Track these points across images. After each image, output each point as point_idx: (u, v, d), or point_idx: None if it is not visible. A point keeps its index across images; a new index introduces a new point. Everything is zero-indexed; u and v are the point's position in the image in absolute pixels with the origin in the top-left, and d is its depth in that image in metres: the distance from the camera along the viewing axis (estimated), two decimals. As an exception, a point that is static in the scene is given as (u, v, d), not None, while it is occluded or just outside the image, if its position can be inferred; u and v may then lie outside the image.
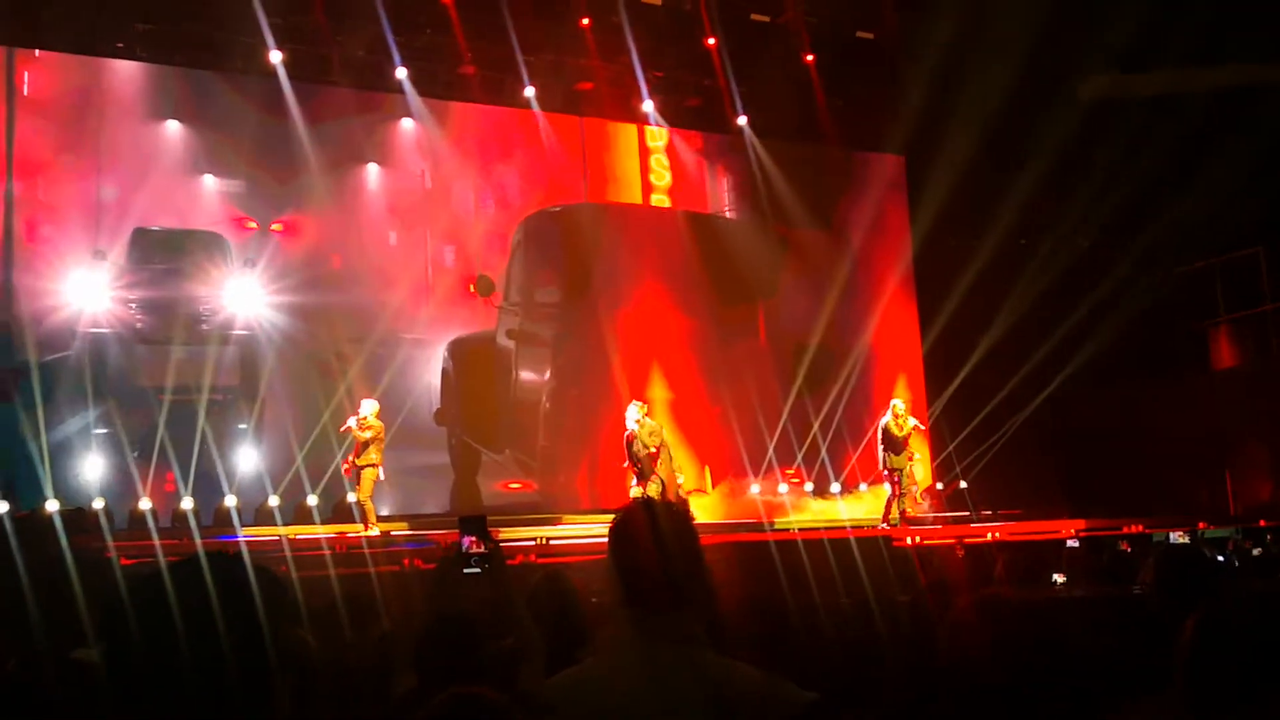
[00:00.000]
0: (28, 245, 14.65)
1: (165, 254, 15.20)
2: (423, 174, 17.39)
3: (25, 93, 14.80)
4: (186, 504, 14.19)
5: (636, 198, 18.90)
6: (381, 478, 13.45)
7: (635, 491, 13.68)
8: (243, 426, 15.18)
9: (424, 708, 2.25)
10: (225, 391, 15.26)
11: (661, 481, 13.82)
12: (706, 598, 2.53)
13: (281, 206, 16.02)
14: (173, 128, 15.64)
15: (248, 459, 15.07)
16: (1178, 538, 9.61)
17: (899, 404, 15.29)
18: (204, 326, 15.29)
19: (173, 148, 15.58)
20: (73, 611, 4.80)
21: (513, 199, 18.05)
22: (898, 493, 14.91)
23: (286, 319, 15.43)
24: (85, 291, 14.60)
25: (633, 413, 14.01)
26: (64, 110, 15.02)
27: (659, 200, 19.02)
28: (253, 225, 15.81)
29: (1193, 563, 4.11)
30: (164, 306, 15.04)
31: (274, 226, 15.96)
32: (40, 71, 14.97)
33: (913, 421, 15.00)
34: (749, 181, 19.32)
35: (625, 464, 14.15)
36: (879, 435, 15.07)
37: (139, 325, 14.96)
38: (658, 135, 18.93)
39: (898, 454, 14.89)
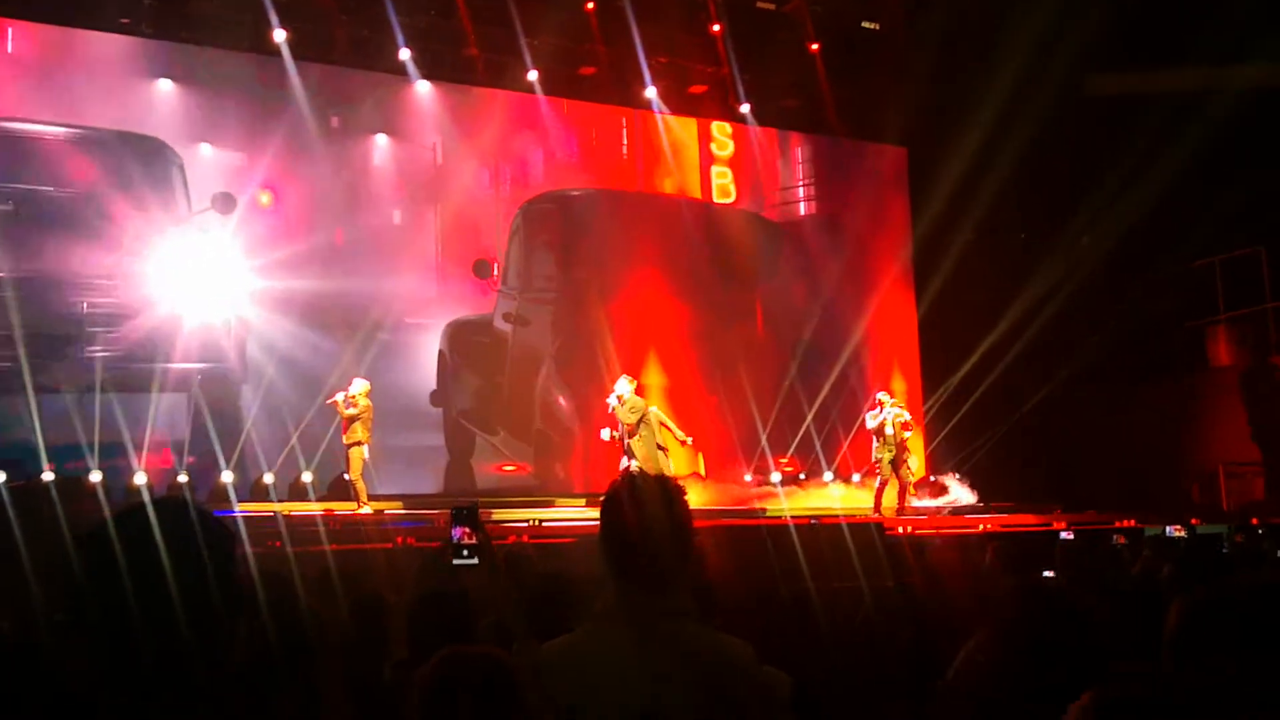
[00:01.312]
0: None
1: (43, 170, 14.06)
2: (434, 148, 17.34)
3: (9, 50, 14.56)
4: (181, 479, 14.23)
5: (693, 189, 18.92)
6: (367, 456, 13.42)
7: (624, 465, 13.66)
8: (238, 404, 15.16)
9: (423, 666, 2.26)
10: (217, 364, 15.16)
11: (636, 460, 13.78)
12: (695, 572, 2.54)
13: (282, 178, 15.86)
14: (165, 89, 15.37)
15: (243, 436, 15.03)
16: (1174, 533, 9.62)
17: (882, 396, 15.39)
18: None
19: (165, 112, 15.32)
20: (64, 576, 4.81)
21: (536, 182, 18.03)
22: (885, 482, 15.02)
23: (283, 295, 15.36)
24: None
25: (617, 387, 14.01)
26: (44, 71, 14.70)
27: (721, 190, 19.02)
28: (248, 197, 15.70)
29: (1212, 555, 4.16)
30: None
31: (261, 197, 15.71)
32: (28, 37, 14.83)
33: (893, 413, 15.01)
34: (750, 169, 19.33)
35: (607, 437, 14.13)
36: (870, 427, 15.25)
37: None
38: (722, 128, 18.95)
39: (878, 445, 15.02)
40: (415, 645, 3.80)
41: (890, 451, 14.92)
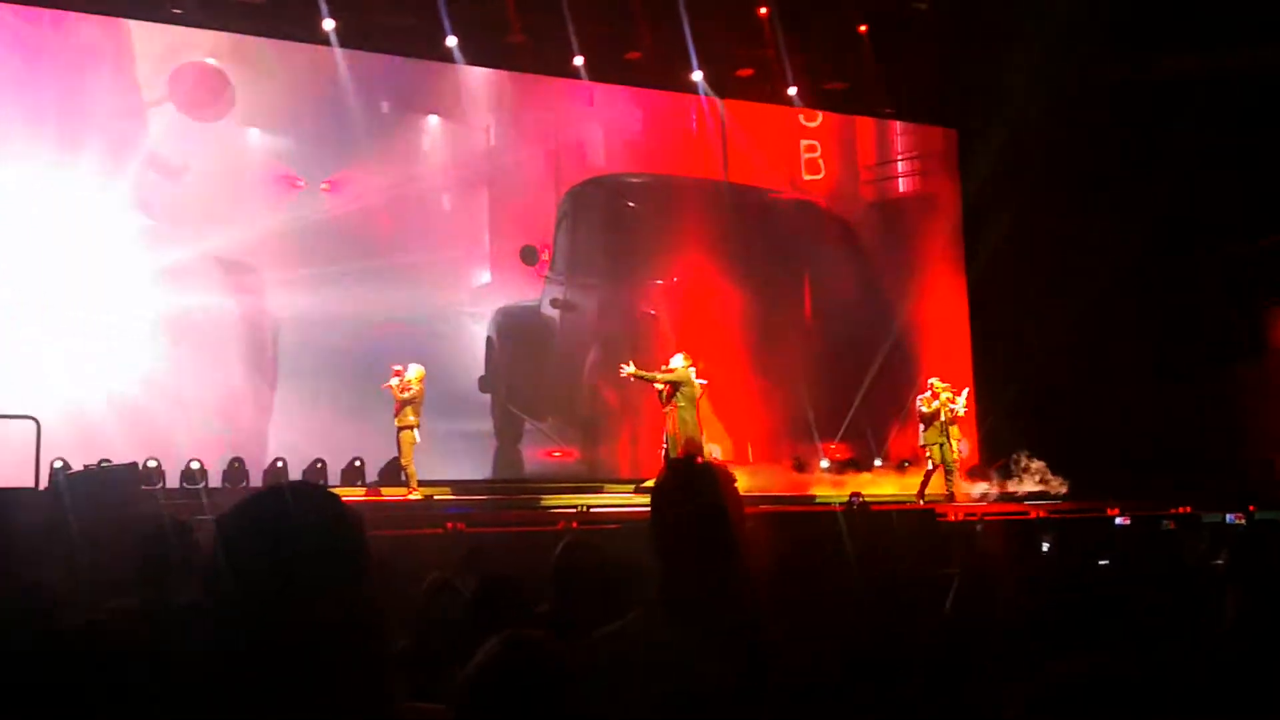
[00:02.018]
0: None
1: None
2: (487, 130, 17.36)
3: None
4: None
5: (777, 181, 18.92)
6: (418, 440, 13.50)
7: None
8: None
9: (480, 648, 2.26)
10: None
11: (667, 439, 13.73)
12: (740, 563, 2.52)
13: (330, 164, 15.97)
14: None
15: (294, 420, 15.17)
16: (1234, 519, 9.46)
17: (934, 381, 15.31)
18: None
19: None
20: (120, 564, 4.88)
21: (594, 167, 18.06)
22: (935, 469, 14.95)
23: (334, 283, 15.49)
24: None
25: (673, 360, 13.97)
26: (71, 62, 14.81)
27: (809, 165, 18.97)
28: (301, 184, 15.81)
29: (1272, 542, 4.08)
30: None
31: (322, 186, 15.92)
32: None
33: (945, 399, 14.93)
34: (796, 152, 19.22)
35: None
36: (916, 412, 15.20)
37: None
38: (811, 116, 18.88)
39: (927, 431, 14.93)
40: (471, 631, 3.80)
41: (941, 438, 14.83)
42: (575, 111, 17.78)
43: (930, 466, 15.06)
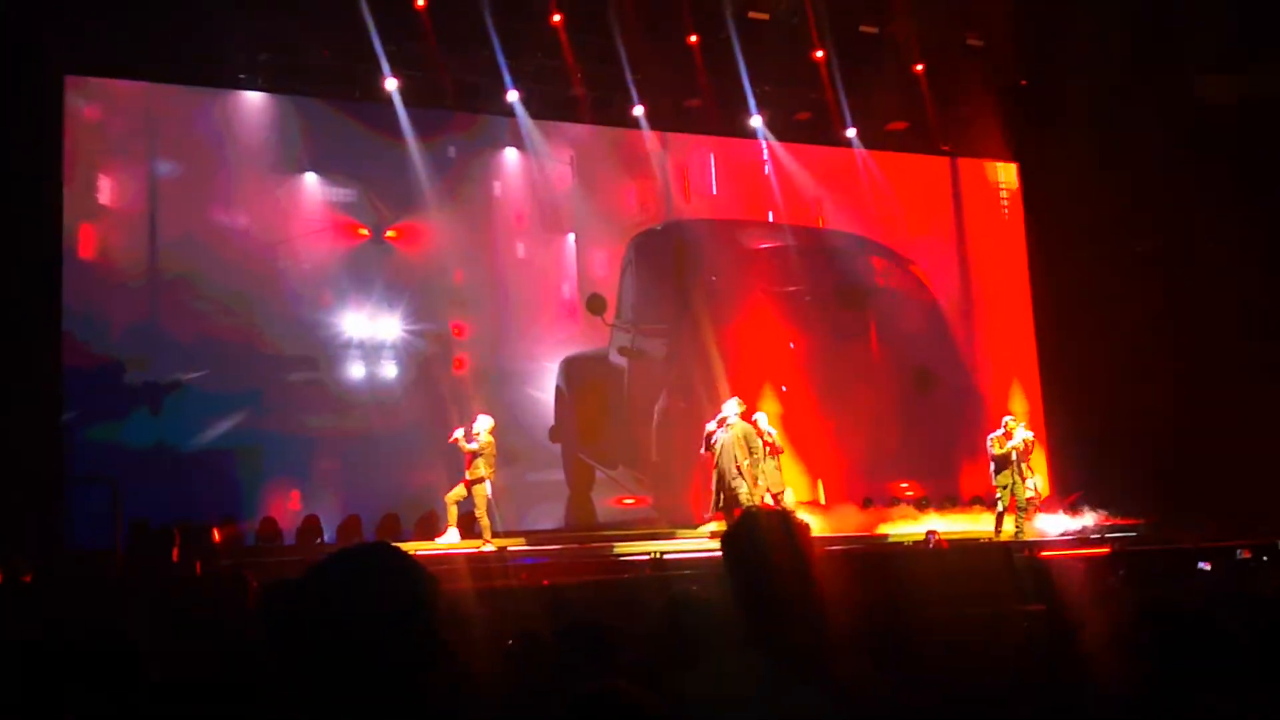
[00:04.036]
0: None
1: None
2: (561, 178, 17.53)
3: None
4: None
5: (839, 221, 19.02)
6: (489, 493, 13.61)
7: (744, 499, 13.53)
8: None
9: (567, 702, 2.30)
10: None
11: (718, 495, 13.69)
12: (817, 606, 2.57)
13: (395, 215, 16.22)
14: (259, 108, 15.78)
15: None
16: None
17: (1008, 419, 15.14)
18: None
19: (272, 138, 15.71)
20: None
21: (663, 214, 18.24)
22: (1003, 510, 14.76)
23: (406, 333, 15.81)
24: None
25: (725, 408, 13.99)
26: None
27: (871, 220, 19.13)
28: (364, 233, 16.09)
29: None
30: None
31: (388, 233, 16.15)
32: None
33: (1017, 440, 14.76)
34: (857, 192, 19.23)
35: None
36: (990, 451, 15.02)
37: None
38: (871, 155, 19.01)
39: (1000, 471, 14.77)
40: (556, 677, 3.86)
41: (1015, 477, 14.66)
42: (638, 159, 17.93)
43: (1001, 507, 14.84)
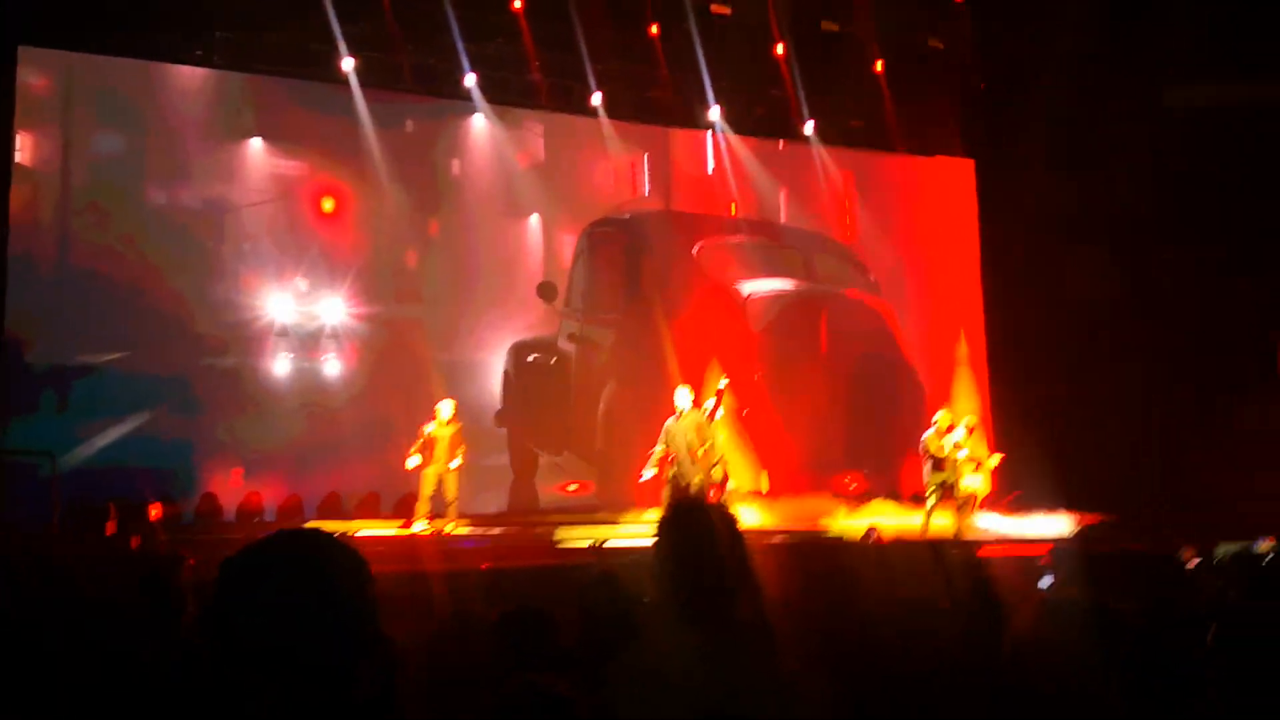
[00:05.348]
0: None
1: None
2: (516, 166, 17.52)
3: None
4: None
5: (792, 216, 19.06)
6: (453, 467, 13.77)
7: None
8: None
9: (496, 693, 2.31)
10: None
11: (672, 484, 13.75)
12: (752, 590, 2.61)
13: (347, 187, 16.12)
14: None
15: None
16: (1260, 547, 9.31)
17: (942, 416, 15.24)
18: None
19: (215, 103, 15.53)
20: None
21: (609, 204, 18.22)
22: (939, 504, 14.85)
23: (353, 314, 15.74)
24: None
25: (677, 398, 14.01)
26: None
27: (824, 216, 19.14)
28: (321, 206, 15.97)
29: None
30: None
31: (325, 203, 16.07)
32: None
33: (959, 435, 14.89)
34: (814, 188, 19.33)
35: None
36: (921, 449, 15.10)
37: None
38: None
39: (937, 470, 14.86)
40: (492, 665, 3.87)
41: (950, 474, 14.77)
42: (594, 148, 17.92)
43: (930, 503, 14.94)
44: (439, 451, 13.66)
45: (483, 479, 16.47)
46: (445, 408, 13.88)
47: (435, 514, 13.68)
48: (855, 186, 19.66)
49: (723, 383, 14.48)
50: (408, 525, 13.62)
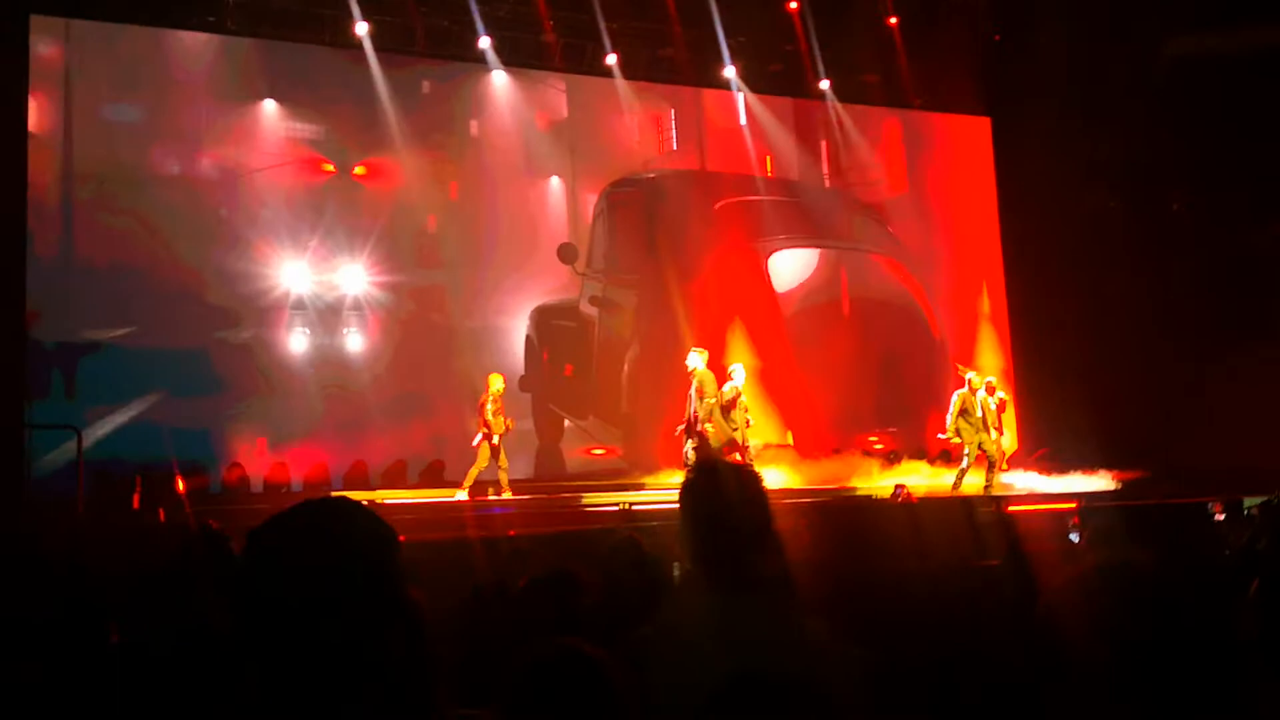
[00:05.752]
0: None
1: None
2: (535, 129, 17.46)
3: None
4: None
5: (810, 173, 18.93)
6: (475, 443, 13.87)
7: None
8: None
9: (525, 656, 2.29)
10: None
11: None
12: (775, 550, 2.58)
13: (363, 151, 16.01)
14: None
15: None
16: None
17: (971, 375, 15.19)
18: None
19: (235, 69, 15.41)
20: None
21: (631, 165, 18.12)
22: (972, 463, 14.82)
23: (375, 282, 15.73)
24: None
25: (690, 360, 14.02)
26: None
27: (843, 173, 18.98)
28: (329, 168, 15.91)
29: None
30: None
31: (357, 169, 16.01)
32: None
33: (982, 393, 14.84)
34: (831, 146, 19.20)
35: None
36: (952, 405, 15.05)
37: None
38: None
39: (970, 429, 14.82)
40: (517, 631, 3.85)
41: (978, 432, 14.72)
42: (609, 109, 17.81)
43: (967, 463, 14.90)
44: (495, 424, 13.78)
45: (508, 445, 16.49)
46: (497, 380, 14.04)
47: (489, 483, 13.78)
48: (872, 142, 19.50)
49: (738, 368, 14.37)
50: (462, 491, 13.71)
